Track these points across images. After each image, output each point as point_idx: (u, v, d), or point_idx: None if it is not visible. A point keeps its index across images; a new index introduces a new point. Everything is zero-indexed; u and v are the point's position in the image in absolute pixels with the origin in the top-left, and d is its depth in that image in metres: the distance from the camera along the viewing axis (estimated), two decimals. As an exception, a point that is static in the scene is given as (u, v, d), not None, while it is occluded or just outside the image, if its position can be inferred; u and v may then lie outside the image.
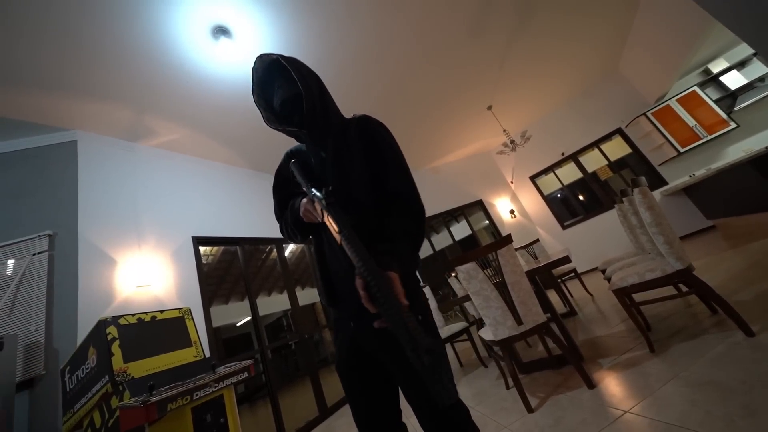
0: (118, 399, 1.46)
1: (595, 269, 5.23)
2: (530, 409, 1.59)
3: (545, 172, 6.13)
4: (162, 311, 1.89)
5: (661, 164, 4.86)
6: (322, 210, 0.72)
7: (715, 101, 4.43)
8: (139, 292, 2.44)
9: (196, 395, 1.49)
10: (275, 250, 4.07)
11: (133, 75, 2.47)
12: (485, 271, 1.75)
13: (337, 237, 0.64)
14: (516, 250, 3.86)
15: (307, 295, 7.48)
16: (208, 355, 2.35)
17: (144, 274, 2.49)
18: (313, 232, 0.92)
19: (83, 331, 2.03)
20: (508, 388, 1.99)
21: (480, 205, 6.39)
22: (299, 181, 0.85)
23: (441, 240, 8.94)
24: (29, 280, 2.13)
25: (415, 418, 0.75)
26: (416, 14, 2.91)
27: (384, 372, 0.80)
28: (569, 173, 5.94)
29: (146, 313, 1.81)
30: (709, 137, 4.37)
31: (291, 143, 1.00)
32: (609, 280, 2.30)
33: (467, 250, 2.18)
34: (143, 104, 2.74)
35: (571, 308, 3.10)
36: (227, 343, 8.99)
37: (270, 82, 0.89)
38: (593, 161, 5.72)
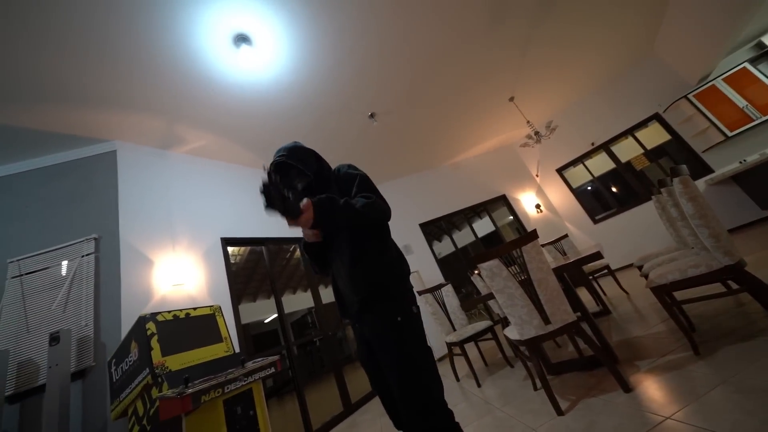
0: (157, 390, 1.56)
1: (630, 266, 4.91)
2: (560, 412, 1.52)
3: (573, 163, 5.82)
4: (195, 308, 2.00)
5: (705, 151, 4.46)
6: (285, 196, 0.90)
7: (770, 78, 3.99)
8: (174, 290, 2.59)
9: (227, 388, 1.57)
10: (299, 249, 4.18)
11: (164, 86, 2.62)
12: (510, 268, 1.69)
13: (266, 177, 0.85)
14: (543, 246, 3.70)
15: (331, 294, 7.61)
16: (237, 350, 2.46)
17: (178, 273, 2.65)
18: (328, 260, 1.17)
19: (126, 326, 2.19)
20: (536, 389, 1.92)
21: (503, 201, 6.19)
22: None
23: (463, 237, 8.77)
24: (79, 280, 2.34)
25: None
26: (434, 4, 2.84)
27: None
28: (600, 164, 5.60)
29: (181, 310, 1.92)
30: (763, 118, 3.94)
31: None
32: (646, 277, 2.14)
33: (490, 247, 2.12)
34: (173, 113, 2.91)
35: (604, 307, 2.93)
36: (256, 339, 9.37)
37: (286, 173, 1.18)
38: (627, 150, 5.35)
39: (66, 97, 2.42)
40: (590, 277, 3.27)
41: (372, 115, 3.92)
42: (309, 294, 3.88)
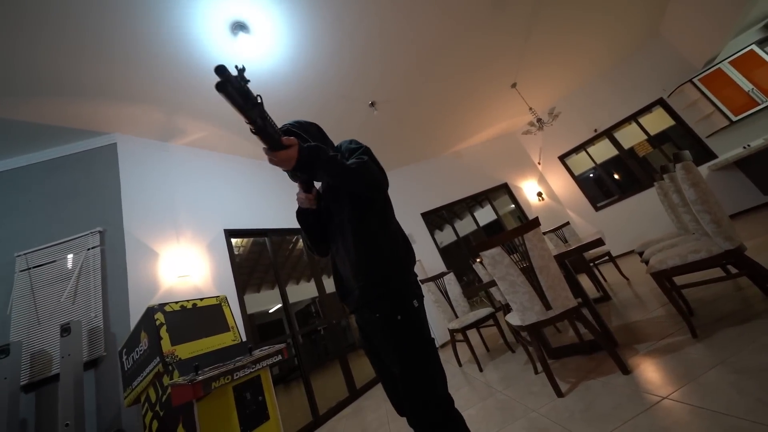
0: (168, 378, 1.61)
1: (631, 252, 4.94)
2: (560, 394, 1.56)
3: (576, 150, 5.77)
4: (201, 299, 2.04)
5: (709, 136, 4.41)
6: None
7: (778, 60, 3.90)
8: (180, 281, 2.63)
9: (236, 375, 1.61)
10: (301, 240, 4.20)
11: (161, 77, 2.59)
12: (512, 256, 1.71)
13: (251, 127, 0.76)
14: (544, 233, 3.72)
15: (333, 283, 7.70)
16: (244, 339, 2.52)
17: (183, 265, 2.68)
18: (327, 238, 1.11)
19: (134, 317, 2.24)
20: (536, 372, 1.96)
21: (505, 189, 6.17)
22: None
23: (464, 226, 8.78)
24: (86, 273, 2.37)
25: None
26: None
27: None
28: (603, 151, 5.56)
29: (188, 300, 1.96)
30: (769, 102, 3.88)
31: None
32: (647, 263, 2.16)
33: (492, 235, 2.13)
34: (173, 105, 2.88)
35: (604, 293, 2.97)
36: (260, 328, 9.53)
37: None
38: (630, 136, 5.30)
39: (63, 90, 2.39)
40: (591, 264, 3.29)
41: (372, 104, 3.88)
42: (311, 284, 3.94)
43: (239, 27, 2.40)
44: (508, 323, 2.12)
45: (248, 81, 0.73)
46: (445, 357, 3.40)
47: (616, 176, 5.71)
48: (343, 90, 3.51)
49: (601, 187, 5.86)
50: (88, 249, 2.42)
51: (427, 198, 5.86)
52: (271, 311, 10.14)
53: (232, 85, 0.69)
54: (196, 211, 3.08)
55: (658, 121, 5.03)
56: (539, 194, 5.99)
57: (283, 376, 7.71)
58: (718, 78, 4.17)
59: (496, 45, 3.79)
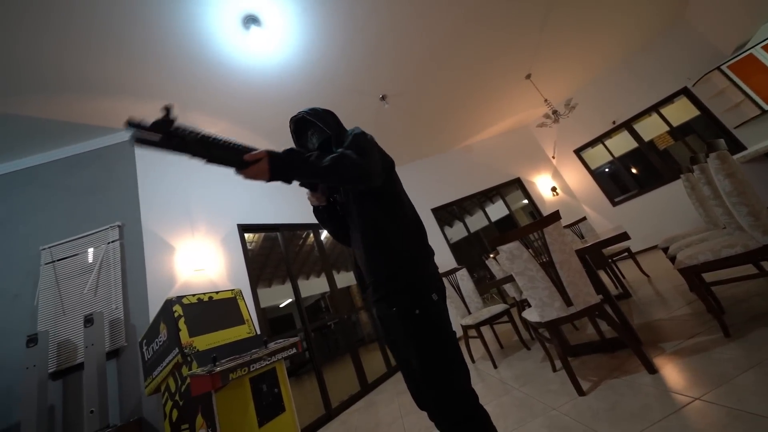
0: (187, 368, 1.63)
1: (650, 249, 4.77)
2: (581, 392, 1.52)
3: (592, 144, 5.59)
4: (217, 292, 2.07)
5: (737, 126, 4.19)
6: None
7: (816, 44, 3.66)
8: (196, 275, 2.67)
9: (253, 367, 1.63)
10: (312, 235, 4.22)
11: (175, 73, 2.61)
12: (530, 250, 1.66)
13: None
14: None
15: (343, 279, 7.77)
16: (258, 332, 2.54)
17: (198, 259, 2.72)
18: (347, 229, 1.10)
19: (153, 309, 2.29)
20: (554, 370, 1.92)
21: (518, 184, 6.04)
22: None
23: (475, 221, 8.69)
24: (107, 266, 2.43)
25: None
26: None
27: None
28: (621, 144, 5.36)
29: (204, 293, 1.98)
30: (805, 89, 3.65)
31: None
32: (673, 259, 2.07)
33: (504, 231, 2.08)
34: (186, 100, 2.90)
35: (624, 290, 2.87)
36: (271, 323, 9.71)
37: (303, 132, 1.16)
38: (651, 128, 5.09)
39: (83, 87, 2.44)
40: (609, 260, 3.19)
41: (383, 98, 3.83)
42: (320, 280, 3.97)
43: (251, 20, 2.39)
44: (524, 320, 2.08)
45: (173, 120, 0.73)
46: (458, 353, 3.36)
47: (634, 170, 5.51)
48: (354, 83, 3.47)
49: (618, 182, 5.67)
50: (108, 243, 2.48)
51: (437, 193, 5.79)
52: (281, 306, 10.31)
53: (150, 135, 0.70)
54: (210, 206, 3.12)
55: (680, 112, 4.81)
56: (553, 189, 5.85)
57: (293, 370, 7.85)
58: (749, 64, 3.94)
59: (510, 34, 3.67)
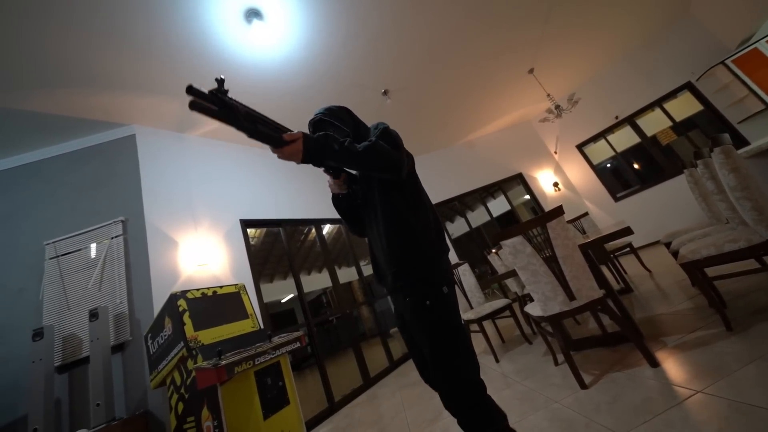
0: (192, 362, 1.65)
1: (652, 244, 4.78)
2: (584, 386, 1.53)
3: (594, 139, 5.57)
4: (221, 287, 2.08)
5: (741, 121, 4.17)
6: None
7: (822, 38, 3.62)
8: (199, 270, 2.69)
9: (258, 360, 1.64)
10: (314, 230, 4.23)
11: (177, 67, 2.60)
12: (533, 244, 1.66)
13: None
14: (561, 224, 3.62)
15: (345, 274, 7.80)
16: (262, 326, 2.56)
17: (202, 254, 2.73)
18: (363, 220, 1.14)
19: (157, 303, 2.30)
20: (556, 364, 1.93)
21: (519, 179, 6.03)
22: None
23: (477, 217, 8.68)
24: (111, 261, 2.44)
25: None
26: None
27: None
28: (624, 139, 5.34)
29: (208, 288, 1.99)
30: (810, 84, 3.62)
31: None
32: (675, 254, 2.08)
33: (506, 226, 2.08)
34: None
35: (626, 285, 2.88)
36: (273, 318, 9.75)
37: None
38: (653, 123, 5.06)
39: (84, 81, 2.43)
40: (611, 256, 3.19)
41: (385, 92, 3.81)
42: (322, 275, 3.97)
43: (253, 14, 2.37)
44: (527, 314, 2.09)
45: (227, 91, 0.75)
46: (459, 347, 3.38)
47: (636, 166, 5.49)
48: (356, 78, 3.45)
49: (620, 177, 5.65)
50: (112, 238, 2.49)
51: (438, 189, 5.78)
52: (283, 301, 10.35)
53: (207, 102, 0.71)
54: (213, 202, 3.12)
55: (683, 107, 4.78)
56: (555, 184, 5.84)
57: (296, 364, 7.91)
58: (754, 59, 3.90)
59: (514, 28, 3.64)
